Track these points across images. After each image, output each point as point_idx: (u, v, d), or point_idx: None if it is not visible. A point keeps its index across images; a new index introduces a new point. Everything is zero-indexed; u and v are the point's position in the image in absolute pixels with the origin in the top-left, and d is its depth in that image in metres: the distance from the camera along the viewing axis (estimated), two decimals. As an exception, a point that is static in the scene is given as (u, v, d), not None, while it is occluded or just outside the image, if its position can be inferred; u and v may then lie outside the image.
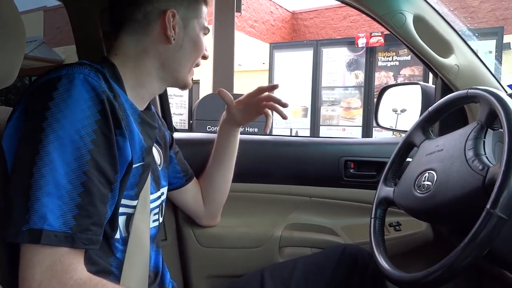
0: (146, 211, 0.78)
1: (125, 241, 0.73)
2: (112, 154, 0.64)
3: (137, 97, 0.78)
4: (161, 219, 0.88)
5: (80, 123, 0.61)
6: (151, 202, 0.80)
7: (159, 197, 0.86)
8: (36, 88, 0.64)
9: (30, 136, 0.60)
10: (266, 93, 0.99)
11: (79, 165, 0.60)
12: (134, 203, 0.74)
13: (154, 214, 0.83)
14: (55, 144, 0.59)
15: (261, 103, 1.00)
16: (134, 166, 0.71)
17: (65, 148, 0.59)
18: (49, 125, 0.60)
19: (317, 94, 5.94)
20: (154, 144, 0.87)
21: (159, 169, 0.87)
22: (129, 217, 0.74)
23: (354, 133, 5.70)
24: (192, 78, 0.86)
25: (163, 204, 0.89)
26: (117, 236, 0.72)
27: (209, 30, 0.85)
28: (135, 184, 0.73)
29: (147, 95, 0.80)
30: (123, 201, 0.71)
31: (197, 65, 0.85)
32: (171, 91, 5.00)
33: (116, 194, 0.67)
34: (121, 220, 0.72)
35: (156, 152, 0.88)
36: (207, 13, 0.84)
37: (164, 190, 0.90)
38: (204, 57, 0.85)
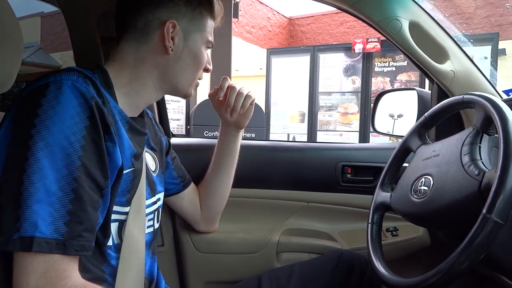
0: (140, 217, 0.78)
1: (118, 248, 0.73)
2: (102, 159, 0.64)
3: (131, 104, 0.77)
4: (156, 225, 0.87)
5: (69, 129, 0.61)
6: (145, 208, 0.80)
7: (155, 202, 0.86)
8: (25, 96, 0.64)
9: (19, 144, 0.60)
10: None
11: (69, 172, 0.60)
12: (126, 209, 0.74)
13: (149, 220, 0.83)
14: (45, 151, 0.59)
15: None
16: (124, 172, 0.71)
17: (55, 155, 0.59)
18: (38, 132, 0.60)
19: (314, 99, 5.95)
20: (149, 150, 0.87)
21: (154, 175, 0.87)
22: (122, 224, 0.73)
23: (351, 138, 5.72)
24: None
25: (159, 210, 0.89)
26: (110, 243, 0.71)
27: (213, 45, 0.84)
28: (127, 190, 0.73)
29: (142, 103, 0.80)
30: (115, 208, 0.71)
31: (199, 78, 0.84)
32: (169, 96, 4.99)
33: (108, 200, 0.67)
34: (113, 227, 0.72)
35: (151, 158, 0.87)
36: (212, 26, 0.83)
37: (160, 195, 0.89)
38: (206, 70, 0.85)
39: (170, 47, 0.76)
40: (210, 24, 0.82)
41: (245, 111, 0.96)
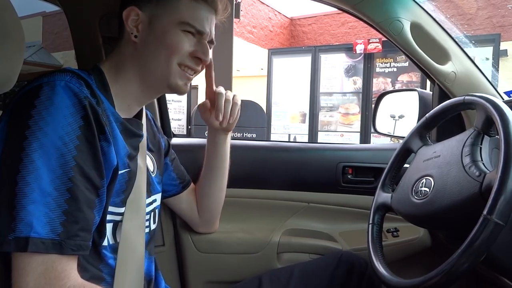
0: (139, 218, 0.78)
1: (113, 248, 0.73)
2: (96, 159, 0.65)
3: (124, 105, 0.77)
4: (153, 226, 0.86)
5: (63, 129, 0.61)
6: None
7: (151, 203, 0.85)
8: (19, 97, 0.65)
9: (13, 145, 0.60)
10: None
11: (64, 172, 0.60)
12: (121, 210, 0.74)
13: (145, 221, 0.82)
14: (39, 151, 0.59)
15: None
16: (120, 172, 0.71)
17: (49, 155, 0.60)
18: (32, 133, 0.60)
19: (315, 99, 5.95)
20: (147, 151, 0.86)
21: (152, 175, 0.87)
22: (116, 225, 0.73)
23: (352, 139, 5.71)
24: (191, 84, 0.83)
25: (156, 210, 0.88)
26: (105, 243, 0.71)
27: (190, 26, 0.75)
28: (121, 191, 0.73)
29: (133, 103, 0.79)
30: (109, 208, 0.71)
31: (195, 71, 0.79)
32: (169, 96, 5.01)
33: (104, 200, 0.67)
34: (108, 227, 0.72)
35: (148, 159, 0.87)
36: (197, 8, 0.76)
37: (157, 196, 0.89)
38: (200, 60, 0.78)
39: (133, 33, 0.75)
40: (186, 4, 0.75)
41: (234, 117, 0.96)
